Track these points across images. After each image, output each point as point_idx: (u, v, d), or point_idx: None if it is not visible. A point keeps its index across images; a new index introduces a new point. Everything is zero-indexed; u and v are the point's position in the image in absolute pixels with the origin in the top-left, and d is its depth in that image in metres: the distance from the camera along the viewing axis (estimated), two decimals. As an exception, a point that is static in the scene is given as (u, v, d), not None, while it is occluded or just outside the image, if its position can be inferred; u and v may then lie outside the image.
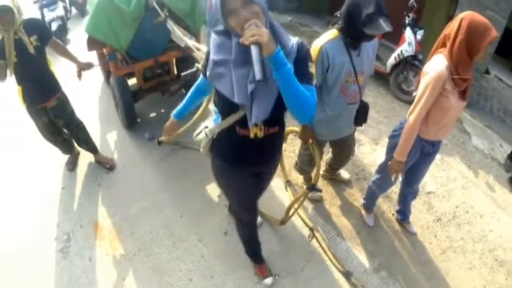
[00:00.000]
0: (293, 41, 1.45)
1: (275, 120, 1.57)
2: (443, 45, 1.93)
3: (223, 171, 1.85)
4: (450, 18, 1.92)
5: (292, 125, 2.64)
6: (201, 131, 1.74)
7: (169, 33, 3.17)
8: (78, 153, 3.55)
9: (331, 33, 2.11)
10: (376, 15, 1.88)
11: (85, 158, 3.52)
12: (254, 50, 1.19)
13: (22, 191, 3.23)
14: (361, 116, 2.39)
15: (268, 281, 2.41)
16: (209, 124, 1.73)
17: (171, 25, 3.14)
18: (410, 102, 2.72)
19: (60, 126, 3.09)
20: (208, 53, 1.54)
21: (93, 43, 3.19)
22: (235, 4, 1.25)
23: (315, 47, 2.09)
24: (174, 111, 1.98)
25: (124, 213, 2.96)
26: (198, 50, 2.92)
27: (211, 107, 1.81)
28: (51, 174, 3.40)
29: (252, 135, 1.58)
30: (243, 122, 1.54)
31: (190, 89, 1.89)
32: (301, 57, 1.43)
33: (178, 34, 3.11)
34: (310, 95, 1.37)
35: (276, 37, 1.34)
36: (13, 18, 2.45)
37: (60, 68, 3.39)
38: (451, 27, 1.86)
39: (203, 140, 1.73)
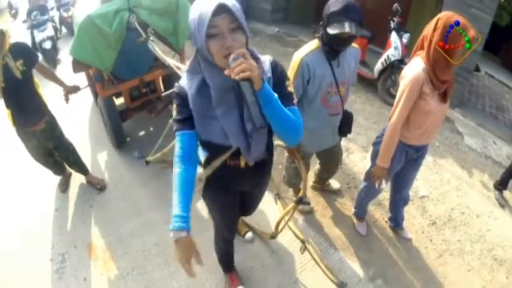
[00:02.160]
0: (265, 60, 1.37)
1: (266, 147, 1.51)
2: (422, 47, 1.92)
3: (211, 194, 1.75)
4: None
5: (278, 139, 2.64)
6: None
7: (153, 52, 3.19)
8: (70, 175, 3.55)
9: (312, 45, 2.10)
10: (342, 17, 1.85)
11: (77, 179, 3.51)
12: (246, 88, 1.09)
13: (16, 213, 3.23)
14: (345, 126, 2.37)
15: None
16: None
17: (152, 45, 3.15)
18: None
19: (50, 148, 3.09)
20: (180, 106, 1.34)
21: (78, 65, 3.19)
22: (221, 27, 1.12)
23: (295, 60, 2.08)
24: (175, 223, 1.29)
25: (116, 232, 2.95)
26: (178, 68, 2.93)
27: None
28: (45, 195, 3.40)
29: (242, 164, 1.53)
30: (233, 155, 1.47)
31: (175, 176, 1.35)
32: (277, 79, 1.36)
33: (160, 53, 3.12)
34: (297, 117, 1.32)
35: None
36: (3, 43, 2.46)
37: (49, 90, 3.40)
38: (428, 29, 1.85)
39: (197, 185, 1.54)
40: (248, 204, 2.05)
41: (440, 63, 1.82)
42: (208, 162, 1.54)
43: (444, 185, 3.34)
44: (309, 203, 2.98)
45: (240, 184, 1.70)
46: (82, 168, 3.38)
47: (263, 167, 1.64)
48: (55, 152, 3.16)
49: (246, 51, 1.11)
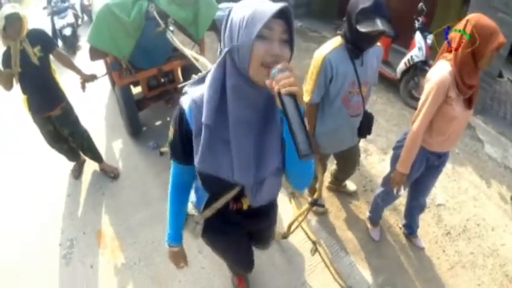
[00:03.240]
0: None
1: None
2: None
3: (215, 241, 1.63)
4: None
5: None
6: (186, 221, 1.46)
7: (172, 42, 3.16)
8: (84, 161, 3.57)
9: (334, 42, 2.02)
10: (372, 13, 1.77)
11: (90, 166, 3.54)
12: (291, 106, 0.91)
13: (30, 197, 3.28)
14: (365, 127, 2.30)
15: None
16: (189, 209, 1.46)
17: (171, 35, 3.12)
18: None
19: (65, 134, 3.11)
20: (180, 131, 1.15)
21: (95, 53, 3.19)
22: (275, 32, 0.96)
23: (318, 57, 2.01)
24: (169, 240, 1.47)
25: (126, 222, 2.96)
26: (197, 60, 2.89)
27: None
28: (58, 181, 3.44)
29: (245, 207, 1.37)
30: (236, 196, 1.31)
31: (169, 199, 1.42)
32: None
33: (178, 44, 3.09)
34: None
35: None
36: (22, 27, 2.50)
37: (67, 77, 3.41)
38: (456, 30, 1.76)
39: (195, 230, 1.46)
40: (257, 241, 1.88)
41: (467, 67, 1.74)
42: (208, 204, 1.38)
43: (461, 194, 3.24)
44: (323, 205, 2.93)
45: (242, 228, 1.55)
46: (96, 156, 3.40)
47: (269, 209, 1.52)
48: (70, 138, 3.18)
49: (291, 66, 0.95)
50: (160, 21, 3.07)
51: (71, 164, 3.50)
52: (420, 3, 4.16)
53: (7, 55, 2.59)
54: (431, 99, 1.83)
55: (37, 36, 2.67)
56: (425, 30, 4.20)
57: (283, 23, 0.97)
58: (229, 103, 1.04)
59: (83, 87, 3.09)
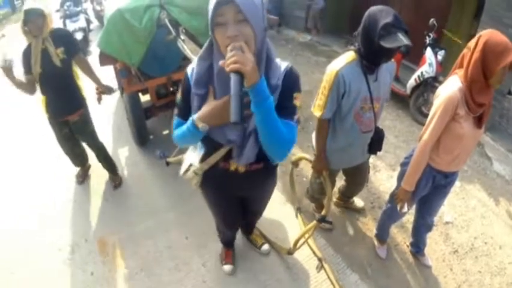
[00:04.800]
0: (281, 66, 1.33)
1: (259, 156, 1.46)
2: (461, 65, 1.80)
3: (209, 193, 1.87)
4: (472, 37, 1.79)
5: (306, 152, 2.56)
6: (188, 169, 1.68)
7: (182, 51, 3.15)
8: (89, 167, 3.55)
9: (347, 57, 1.99)
10: (394, 28, 1.75)
11: (96, 172, 3.51)
12: (233, 80, 1.07)
13: (33, 199, 3.27)
14: (376, 144, 2.26)
15: (227, 268, 2.51)
16: (193, 160, 1.66)
17: (181, 44, 3.11)
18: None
19: (81, 140, 3.10)
20: (186, 91, 1.39)
21: (105, 58, 3.19)
22: (227, 17, 1.12)
23: (330, 72, 1.97)
24: (194, 123, 1.33)
25: (129, 230, 2.93)
26: None
27: None
28: (62, 185, 3.43)
29: (232, 168, 1.55)
30: (225, 157, 1.52)
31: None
32: (287, 87, 1.30)
33: (188, 53, 3.07)
34: (288, 132, 1.27)
35: (267, 68, 1.26)
36: (43, 24, 2.43)
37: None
38: (469, 46, 1.74)
39: (193, 179, 1.68)
40: (248, 209, 2.08)
41: (478, 84, 1.70)
42: (204, 159, 1.59)
43: (469, 212, 3.20)
44: (331, 222, 2.88)
45: (231, 188, 1.72)
46: (111, 167, 3.36)
47: (255, 176, 1.62)
48: (84, 143, 3.16)
49: (244, 45, 1.09)
50: (171, 29, 3.06)
51: (77, 168, 3.47)
52: (432, 19, 4.15)
53: (28, 53, 2.52)
54: (439, 115, 1.80)
55: (62, 37, 2.60)
56: (435, 46, 4.18)
57: (233, 5, 1.09)
58: (215, 79, 1.28)
59: (99, 99, 3.04)
